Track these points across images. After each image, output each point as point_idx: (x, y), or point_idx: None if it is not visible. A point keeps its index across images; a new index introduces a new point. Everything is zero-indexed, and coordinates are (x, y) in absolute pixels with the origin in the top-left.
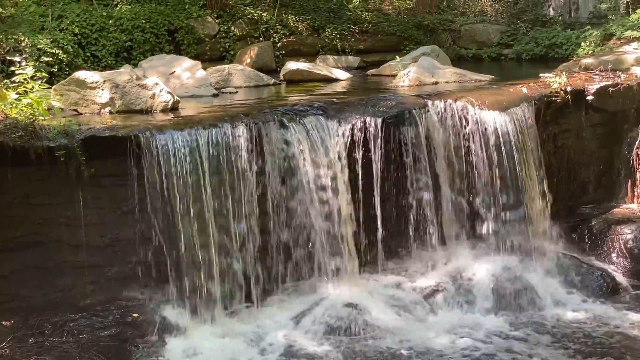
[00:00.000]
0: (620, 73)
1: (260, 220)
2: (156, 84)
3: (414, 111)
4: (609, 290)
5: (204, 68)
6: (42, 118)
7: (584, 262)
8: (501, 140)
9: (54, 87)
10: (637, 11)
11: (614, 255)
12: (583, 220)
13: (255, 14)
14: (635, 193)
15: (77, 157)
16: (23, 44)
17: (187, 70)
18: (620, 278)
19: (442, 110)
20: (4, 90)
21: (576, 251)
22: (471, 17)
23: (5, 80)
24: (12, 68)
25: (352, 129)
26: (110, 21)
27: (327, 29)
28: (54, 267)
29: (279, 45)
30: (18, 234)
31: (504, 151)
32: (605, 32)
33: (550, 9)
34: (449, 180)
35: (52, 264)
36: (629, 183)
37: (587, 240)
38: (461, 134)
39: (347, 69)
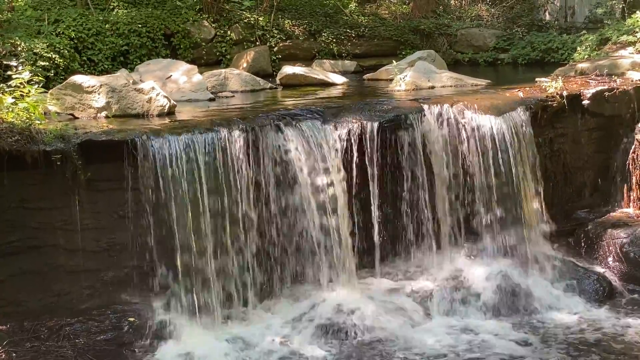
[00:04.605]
0: (616, 77)
1: (256, 224)
2: (152, 88)
3: (410, 115)
4: (605, 295)
5: (201, 72)
6: (39, 122)
7: (580, 266)
8: (497, 144)
9: (50, 91)
10: (632, 16)
11: (610, 259)
12: (579, 225)
13: (252, 19)
14: (631, 197)
15: (73, 161)
16: (19, 48)
17: (183, 75)
18: (616, 282)
19: (438, 115)
20: (0, 95)
21: (572, 255)
22: (467, 22)
23: (2, 85)
24: (9, 72)
25: (349, 133)
26: (107, 25)
27: (323, 34)
28: (49, 272)
29: (275, 49)
30: (14, 238)
31: (499, 155)
32: (601, 36)
33: (546, 13)
34: (445, 184)
35: (48, 268)
36: (625, 187)
37: (583, 244)
38: (457, 138)
39: (344, 73)
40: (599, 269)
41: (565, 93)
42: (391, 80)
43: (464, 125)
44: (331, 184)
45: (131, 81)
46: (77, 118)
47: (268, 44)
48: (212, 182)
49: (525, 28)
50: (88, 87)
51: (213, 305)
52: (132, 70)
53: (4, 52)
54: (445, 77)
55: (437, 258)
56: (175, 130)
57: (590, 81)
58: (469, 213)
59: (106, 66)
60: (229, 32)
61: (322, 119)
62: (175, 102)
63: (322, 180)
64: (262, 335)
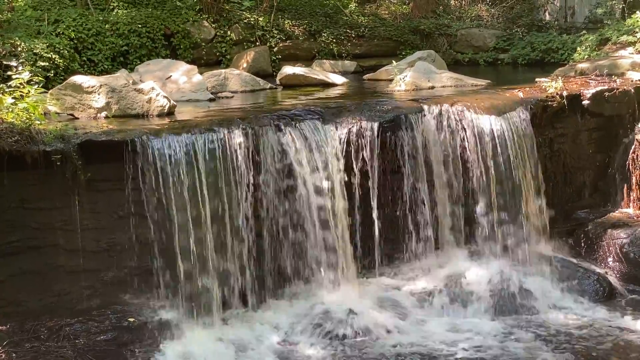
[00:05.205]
0: (615, 78)
1: (256, 225)
2: (152, 88)
3: (410, 115)
4: (605, 295)
5: (201, 73)
6: (38, 122)
7: (579, 266)
8: (497, 144)
9: (50, 91)
10: (632, 16)
11: (609, 259)
12: (579, 225)
13: (252, 19)
14: (631, 197)
15: (73, 161)
16: (19, 49)
17: (183, 75)
18: (616, 282)
19: (438, 115)
20: (1, 95)
21: (572, 255)
22: (467, 22)
23: (2, 85)
24: (9, 72)
25: (349, 134)
26: (107, 26)
27: (323, 34)
28: (50, 272)
29: (275, 49)
30: (14, 238)
31: (500, 155)
32: (601, 36)
33: (546, 13)
34: (445, 184)
35: (48, 268)
36: (625, 187)
37: (583, 244)
38: (457, 138)
39: (344, 73)
40: (599, 269)
41: (565, 93)
42: (391, 80)
43: (464, 126)
44: (331, 183)
45: (131, 81)
46: (77, 118)
47: (268, 44)
48: (212, 182)
49: (525, 28)
50: (88, 87)
51: (213, 305)
52: (132, 70)
53: (4, 52)
54: (445, 78)
55: (437, 258)
56: (175, 130)
57: (590, 81)
58: (468, 213)
59: (106, 66)
60: (229, 33)
61: (322, 119)
62: (175, 103)
63: (322, 180)
64: (261, 335)
